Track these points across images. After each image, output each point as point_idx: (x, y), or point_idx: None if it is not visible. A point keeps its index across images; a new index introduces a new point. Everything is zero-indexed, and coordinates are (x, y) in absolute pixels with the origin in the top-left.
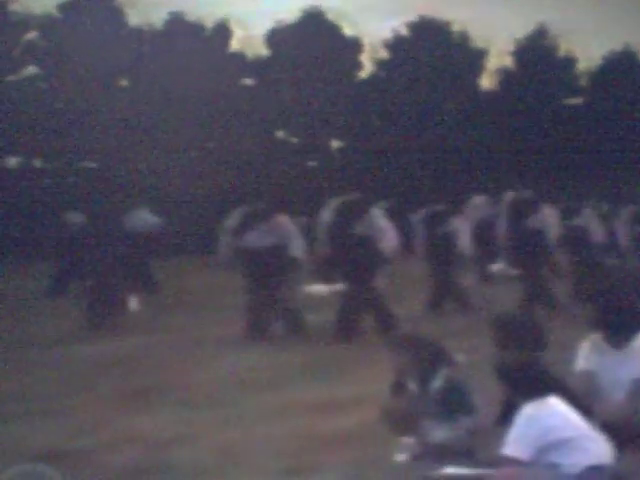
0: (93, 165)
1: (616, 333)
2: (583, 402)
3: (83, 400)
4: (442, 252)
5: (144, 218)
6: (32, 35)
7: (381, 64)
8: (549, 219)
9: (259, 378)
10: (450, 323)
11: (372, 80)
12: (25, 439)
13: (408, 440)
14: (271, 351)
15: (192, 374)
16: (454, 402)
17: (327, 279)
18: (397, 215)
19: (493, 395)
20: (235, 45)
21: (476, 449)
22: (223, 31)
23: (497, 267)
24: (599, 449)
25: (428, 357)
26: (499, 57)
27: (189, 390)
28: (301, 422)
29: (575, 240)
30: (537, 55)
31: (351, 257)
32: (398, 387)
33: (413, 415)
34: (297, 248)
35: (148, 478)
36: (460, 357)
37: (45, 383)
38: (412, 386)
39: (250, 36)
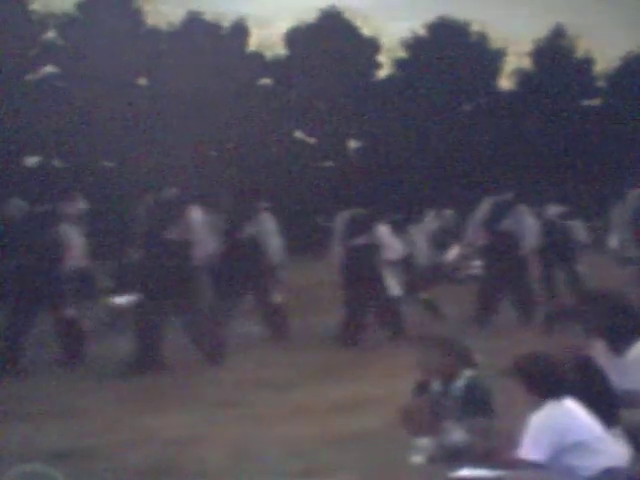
0: (111, 164)
1: (616, 339)
2: (609, 404)
3: (96, 400)
4: None
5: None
6: (51, 34)
7: (399, 64)
8: (268, 226)
9: (275, 378)
10: None
11: (390, 80)
12: (37, 439)
13: (424, 441)
14: (287, 351)
15: (207, 373)
16: (475, 403)
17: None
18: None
19: (512, 397)
20: (253, 45)
21: (494, 451)
22: (241, 30)
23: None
24: (615, 452)
25: (455, 358)
26: (517, 58)
27: (204, 389)
28: (317, 422)
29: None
30: (555, 56)
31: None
32: (421, 387)
33: (433, 415)
34: None
35: (163, 478)
36: (480, 358)
37: (56, 382)
38: (435, 386)
39: (268, 36)
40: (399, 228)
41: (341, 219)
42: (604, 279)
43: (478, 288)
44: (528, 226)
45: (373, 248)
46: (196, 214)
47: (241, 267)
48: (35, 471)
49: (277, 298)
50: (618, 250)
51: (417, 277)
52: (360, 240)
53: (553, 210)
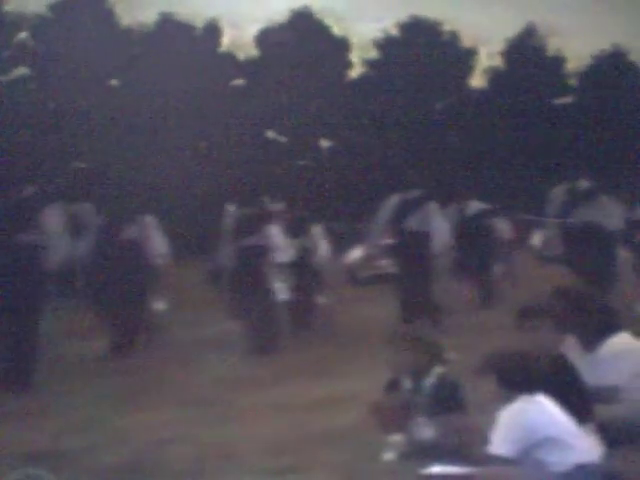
0: (83, 165)
1: (587, 335)
2: (581, 400)
3: (77, 398)
4: None
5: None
6: (23, 35)
7: (371, 64)
8: (151, 228)
9: (252, 376)
10: None
11: (362, 80)
12: (20, 438)
13: (396, 438)
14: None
15: (186, 372)
16: (446, 400)
17: None
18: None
19: (484, 393)
20: (225, 45)
21: (465, 448)
22: (213, 31)
23: None
24: (587, 447)
25: (425, 355)
26: (489, 57)
27: (183, 389)
28: (293, 420)
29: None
30: (527, 55)
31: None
32: (392, 384)
33: (404, 412)
34: None
35: (142, 478)
36: (451, 355)
37: (39, 381)
38: (406, 383)
39: (240, 36)
40: (301, 228)
41: (230, 219)
42: (525, 278)
43: (397, 291)
44: (437, 224)
45: (262, 249)
46: (52, 215)
47: (120, 271)
48: (35, 474)
49: (159, 305)
50: (541, 248)
51: (315, 279)
52: (249, 241)
53: (474, 207)
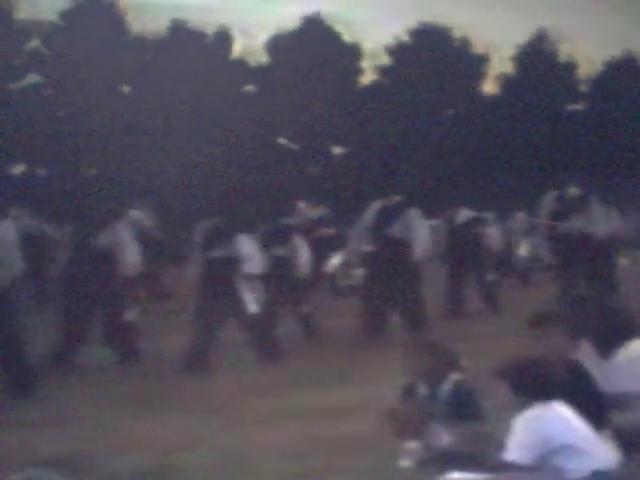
0: (96, 172)
1: (602, 342)
2: (597, 407)
3: (87, 406)
4: None
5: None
6: (35, 43)
7: (382, 70)
8: (124, 234)
9: (264, 383)
10: None
11: (373, 86)
12: (31, 445)
13: (413, 445)
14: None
15: (196, 379)
16: (462, 407)
17: None
18: None
19: (500, 400)
20: (237, 52)
21: (482, 454)
22: (225, 38)
23: None
24: (603, 454)
25: (440, 361)
26: (500, 62)
27: (193, 395)
28: (307, 427)
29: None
30: (538, 60)
31: None
32: (408, 391)
33: (420, 419)
34: None
35: None
36: (467, 362)
37: (49, 389)
38: (422, 390)
39: (251, 43)
40: (281, 237)
41: (201, 229)
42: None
43: (361, 299)
44: (418, 232)
45: (232, 261)
46: (3, 231)
47: (91, 280)
48: (40, 476)
49: (130, 315)
50: (528, 258)
51: (297, 289)
52: (219, 252)
53: (464, 215)
